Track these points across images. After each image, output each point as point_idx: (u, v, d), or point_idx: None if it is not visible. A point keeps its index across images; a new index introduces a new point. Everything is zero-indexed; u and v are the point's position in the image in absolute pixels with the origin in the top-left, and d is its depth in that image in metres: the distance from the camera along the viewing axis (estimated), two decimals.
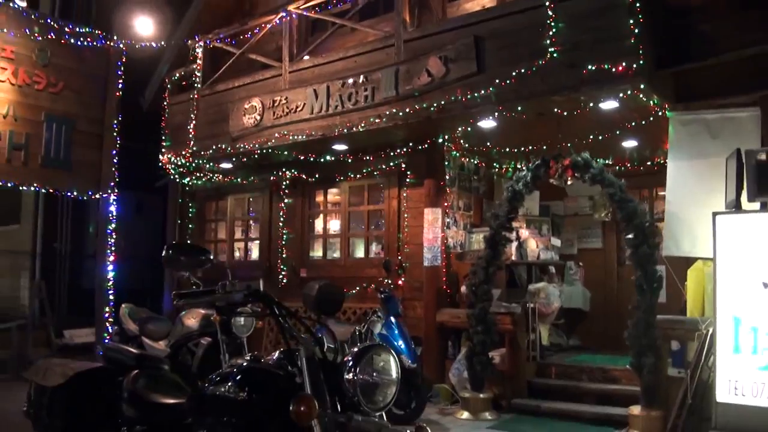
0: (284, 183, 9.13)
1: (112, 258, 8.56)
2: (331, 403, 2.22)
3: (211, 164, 9.29)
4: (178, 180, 10.17)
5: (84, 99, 8.58)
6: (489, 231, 6.75)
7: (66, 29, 8.42)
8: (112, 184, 8.71)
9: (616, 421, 5.86)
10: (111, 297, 8.42)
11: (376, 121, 7.13)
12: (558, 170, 6.30)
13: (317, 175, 8.82)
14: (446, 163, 7.84)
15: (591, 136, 7.06)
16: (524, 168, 6.75)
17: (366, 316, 6.83)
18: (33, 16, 8.28)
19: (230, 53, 8.93)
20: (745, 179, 4.56)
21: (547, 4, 5.96)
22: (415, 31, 7.17)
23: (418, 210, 7.76)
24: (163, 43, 9.38)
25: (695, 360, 5.06)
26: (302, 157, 8.60)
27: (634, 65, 5.49)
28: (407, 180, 7.97)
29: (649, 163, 7.80)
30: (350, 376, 2.18)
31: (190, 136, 9.05)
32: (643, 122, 6.54)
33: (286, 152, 8.48)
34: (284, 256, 9.06)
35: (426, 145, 7.64)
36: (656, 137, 6.76)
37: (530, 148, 7.85)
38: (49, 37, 8.19)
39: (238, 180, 9.66)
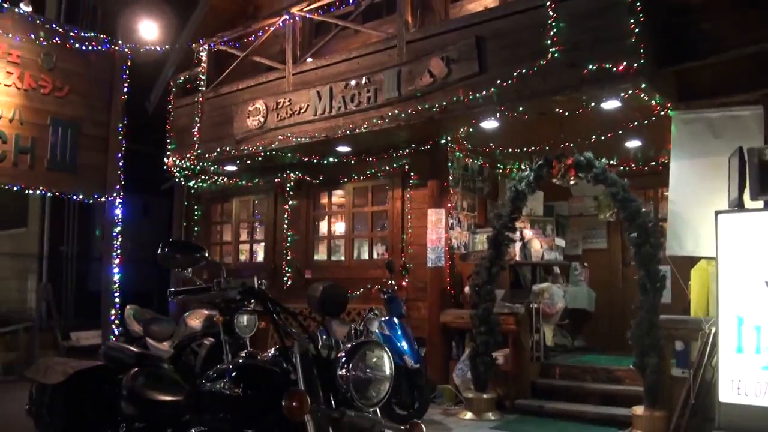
0: (288, 185, 9.17)
1: (118, 260, 8.62)
2: (324, 398, 2.22)
3: (216, 167, 9.33)
4: (183, 183, 10.24)
5: (89, 103, 8.65)
6: (492, 231, 6.75)
7: (71, 34, 8.50)
8: (118, 187, 8.77)
9: (620, 422, 5.86)
10: (117, 299, 8.47)
11: (379, 122, 7.15)
12: (561, 170, 6.30)
13: (321, 177, 8.86)
14: (450, 163, 7.86)
15: (594, 136, 7.03)
16: (527, 168, 6.75)
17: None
18: (38, 21, 8.36)
19: (234, 56, 8.97)
20: (748, 178, 4.51)
21: (548, 4, 5.98)
22: (417, 32, 7.20)
23: (422, 211, 7.76)
24: (167, 46, 9.42)
25: (698, 360, 5.02)
26: (306, 159, 8.64)
27: (635, 64, 5.49)
28: (411, 181, 7.97)
29: (653, 163, 7.75)
30: (343, 372, 2.19)
31: (195, 138, 9.11)
32: (646, 122, 6.52)
33: (290, 154, 8.51)
34: (289, 257, 9.08)
35: (429, 146, 7.65)
36: (660, 137, 6.73)
37: (533, 148, 7.83)
38: (55, 41, 8.27)
39: (243, 182, 9.70)
